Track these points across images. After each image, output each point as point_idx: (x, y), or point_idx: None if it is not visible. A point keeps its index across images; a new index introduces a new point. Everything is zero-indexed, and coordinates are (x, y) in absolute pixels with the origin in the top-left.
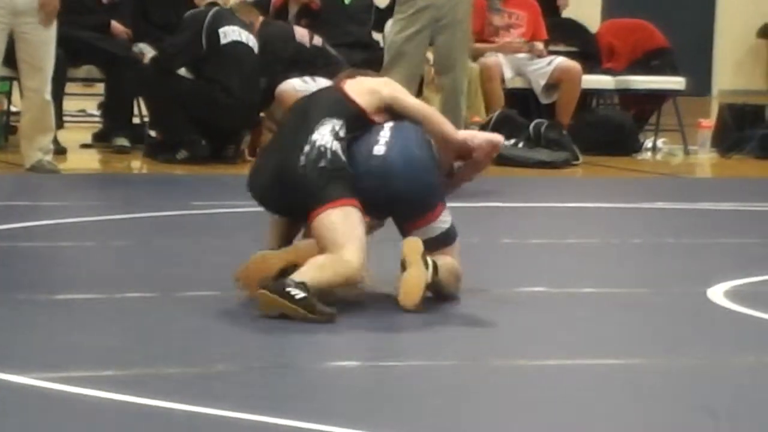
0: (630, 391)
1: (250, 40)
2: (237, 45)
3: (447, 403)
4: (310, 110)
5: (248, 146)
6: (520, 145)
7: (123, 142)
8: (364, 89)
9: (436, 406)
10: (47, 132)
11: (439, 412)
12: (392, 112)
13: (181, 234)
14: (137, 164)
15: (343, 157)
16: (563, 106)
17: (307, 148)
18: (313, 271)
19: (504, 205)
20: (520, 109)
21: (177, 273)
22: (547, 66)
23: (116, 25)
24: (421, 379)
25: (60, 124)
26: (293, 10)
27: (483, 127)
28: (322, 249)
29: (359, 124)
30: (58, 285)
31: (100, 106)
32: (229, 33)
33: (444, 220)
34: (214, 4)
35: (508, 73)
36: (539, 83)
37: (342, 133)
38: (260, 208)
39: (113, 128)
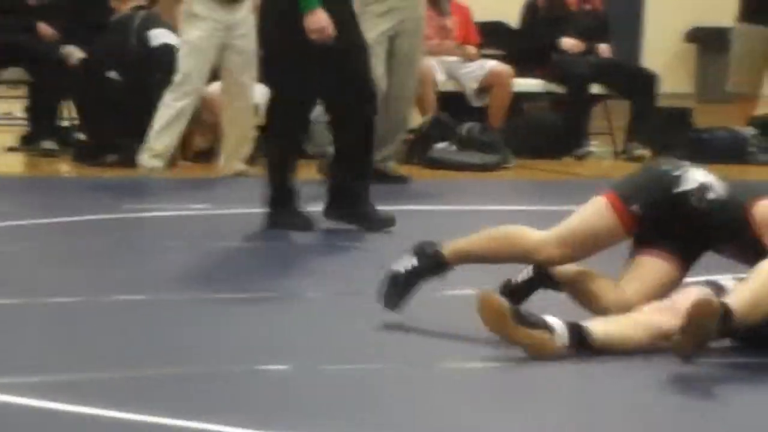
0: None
1: (177, 40)
2: (166, 47)
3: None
4: None
5: (180, 150)
6: (453, 148)
7: (50, 145)
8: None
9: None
10: None
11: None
12: None
13: (111, 237)
14: (65, 168)
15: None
16: (495, 109)
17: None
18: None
19: (436, 208)
20: (452, 112)
21: (106, 276)
22: (478, 70)
23: (43, 27)
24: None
25: None
26: None
27: (416, 131)
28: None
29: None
30: None
31: (27, 108)
32: (158, 35)
33: None
34: (141, 7)
35: (440, 77)
36: (471, 87)
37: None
38: (190, 211)
39: (40, 131)
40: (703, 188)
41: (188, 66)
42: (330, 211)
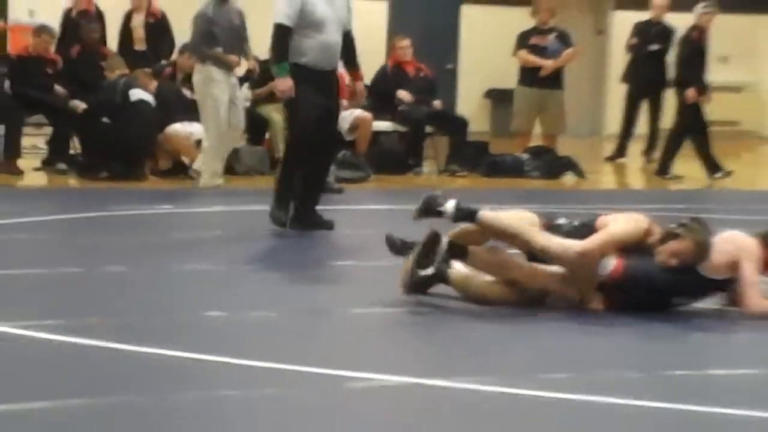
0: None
1: (149, 97)
2: (141, 102)
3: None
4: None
5: (148, 168)
6: (333, 167)
7: (62, 166)
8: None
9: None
10: None
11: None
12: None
13: (103, 230)
14: (72, 181)
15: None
16: (360, 141)
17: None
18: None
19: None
20: None
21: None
22: (349, 116)
23: (58, 87)
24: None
25: (18, 154)
26: (180, 76)
27: None
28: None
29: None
30: None
31: (47, 142)
32: (136, 93)
33: None
34: (123, 75)
35: None
36: (345, 127)
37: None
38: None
39: (55, 157)
40: (564, 222)
41: (217, 112)
42: (295, 223)
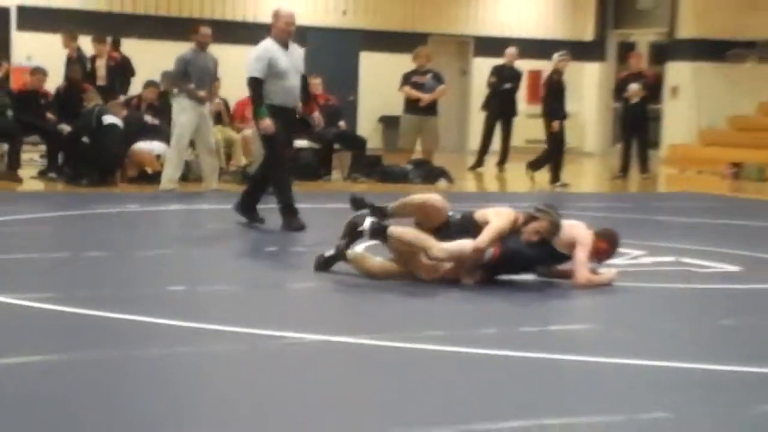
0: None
1: (119, 122)
2: (113, 125)
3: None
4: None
5: (119, 177)
6: None
7: (53, 176)
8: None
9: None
10: None
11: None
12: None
13: (85, 224)
14: (60, 187)
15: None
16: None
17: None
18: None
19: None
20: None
21: (94, 239)
22: None
23: (48, 114)
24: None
25: (19, 165)
26: (144, 105)
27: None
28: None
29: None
30: None
31: (41, 156)
32: (108, 118)
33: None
34: (97, 104)
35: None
36: None
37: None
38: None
39: (48, 168)
40: (452, 214)
41: (182, 135)
42: (240, 210)
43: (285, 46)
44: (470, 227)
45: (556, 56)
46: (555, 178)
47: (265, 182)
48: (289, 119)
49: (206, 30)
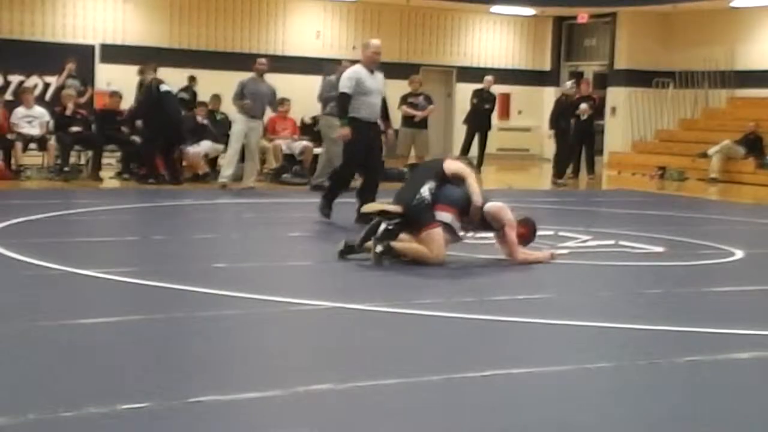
0: None
1: (172, 89)
2: (168, 92)
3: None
4: (422, 171)
5: (182, 177)
6: (288, 176)
7: (126, 176)
8: (451, 165)
9: None
10: None
11: None
12: (458, 178)
13: (152, 214)
14: (132, 185)
15: (430, 199)
16: (305, 160)
17: (417, 196)
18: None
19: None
20: (289, 161)
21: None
22: (299, 145)
23: (124, 128)
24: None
25: (100, 168)
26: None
27: (276, 168)
28: (422, 243)
29: (443, 181)
30: None
31: (118, 160)
32: (164, 86)
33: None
34: (154, 78)
35: (285, 147)
36: (296, 151)
37: (433, 188)
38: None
39: (124, 169)
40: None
41: (234, 140)
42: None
43: (371, 71)
44: (438, 169)
45: (568, 84)
46: (559, 175)
47: (370, 186)
48: (370, 131)
49: (262, 60)
